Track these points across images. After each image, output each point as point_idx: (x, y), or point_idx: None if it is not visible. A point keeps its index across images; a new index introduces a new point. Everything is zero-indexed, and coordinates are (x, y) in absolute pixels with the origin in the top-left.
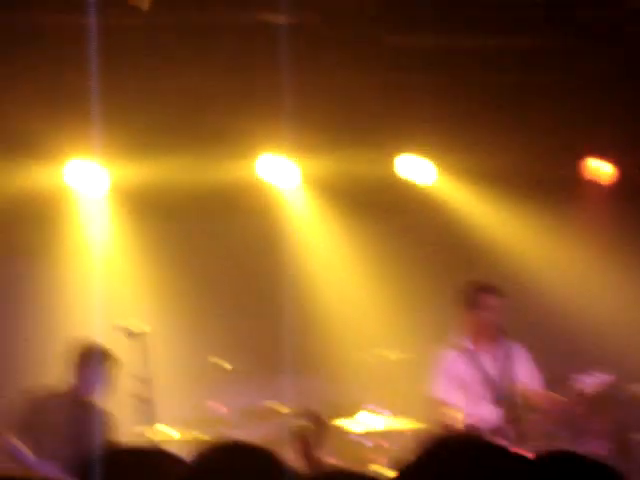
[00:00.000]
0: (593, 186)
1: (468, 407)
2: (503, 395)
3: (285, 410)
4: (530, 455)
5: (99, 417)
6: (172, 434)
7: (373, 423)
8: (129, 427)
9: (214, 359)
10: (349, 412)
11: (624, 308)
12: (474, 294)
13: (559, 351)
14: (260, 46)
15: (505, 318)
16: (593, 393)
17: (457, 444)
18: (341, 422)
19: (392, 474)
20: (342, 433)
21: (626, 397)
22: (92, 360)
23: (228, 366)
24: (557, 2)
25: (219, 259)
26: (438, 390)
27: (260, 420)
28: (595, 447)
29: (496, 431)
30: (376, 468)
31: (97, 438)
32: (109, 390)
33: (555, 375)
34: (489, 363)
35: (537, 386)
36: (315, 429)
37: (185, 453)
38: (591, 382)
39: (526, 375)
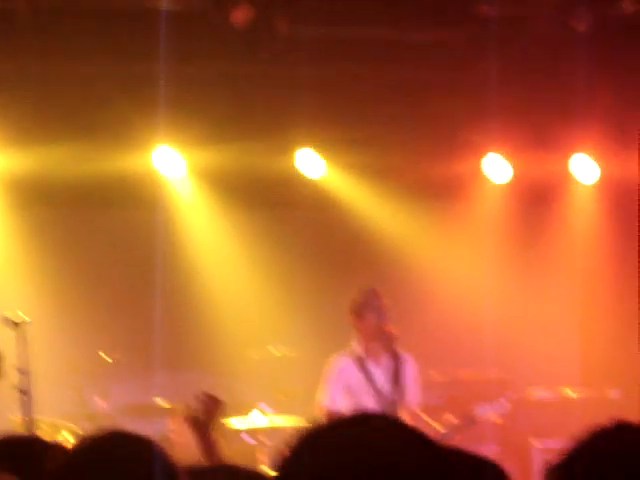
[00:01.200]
0: (487, 184)
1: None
2: (387, 403)
3: (166, 406)
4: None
5: None
6: (50, 426)
7: (256, 420)
8: (8, 417)
9: (97, 352)
10: (235, 410)
11: (512, 306)
12: (359, 300)
13: (447, 348)
14: (147, 33)
15: (390, 319)
16: (482, 420)
17: (330, 432)
18: (229, 420)
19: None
20: (226, 430)
21: (522, 401)
22: None
23: (109, 359)
24: None
25: (104, 251)
26: (326, 398)
27: (141, 416)
28: (483, 449)
29: None
30: (263, 467)
31: None
32: None
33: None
34: (377, 371)
35: (414, 404)
36: (210, 411)
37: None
38: (487, 411)
39: (409, 390)
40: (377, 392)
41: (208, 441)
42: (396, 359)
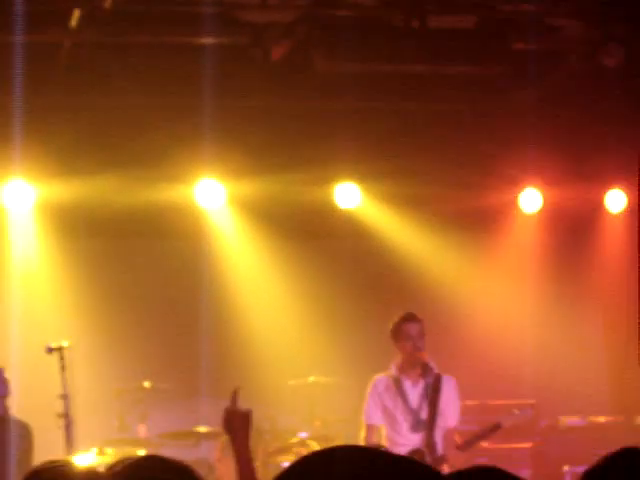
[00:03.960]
0: (522, 215)
1: (388, 432)
2: (421, 423)
3: (207, 431)
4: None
5: (12, 429)
6: (91, 453)
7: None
8: (50, 444)
9: (139, 379)
10: (276, 438)
11: (544, 335)
12: (396, 325)
13: (481, 377)
14: (189, 67)
15: (426, 342)
16: (510, 426)
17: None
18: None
19: None
20: (267, 459)
21: (553, 428)
22: None
23: (150, 386)
24: (489, 32)
25: (145, 279)
26: (365, 413)
27: (182, 443)
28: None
29: (413, 453)
30: None
31: (11, 450)
32: (9, 400)
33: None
34: (413, 392)
35: (451, 424)
36: (240, 424)
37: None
38: (513, 418)
39: (447, 411)
40: (410, 412)
41: (245, 461)
42: (435, 380)
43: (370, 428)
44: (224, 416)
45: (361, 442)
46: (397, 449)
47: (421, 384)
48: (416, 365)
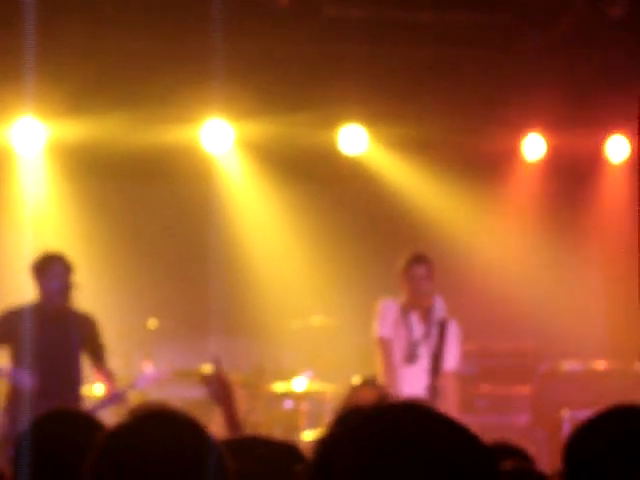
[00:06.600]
0: (524, 161)
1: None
2: (415, 357)
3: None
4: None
5: (77, 322)
6: (98, 391)
7: (299, 387)
8: None
9: (145, 318)
10: (279, 376)
11: (544, 281)
12: (405, 265)
13: (482, 320)
14: (196, 10)
15: (435, 284)
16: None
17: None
18: (272, 385)
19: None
20: (269, 396)
21: (553, 373)
22: (48, 268)
23: (154, 325)
24: None
25: (152, 221)
26: (380, 328)
27: (187, 381)
28: (515, 419)
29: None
30: (304, 433)
31: (77, 342)
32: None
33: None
34: (417, 325)
35: (451, 367)
36: (222, 390)
37: (110, 411)
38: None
39: (448, 353)
40: (410, 343)
41: (234, 426)
42: (441, 325)
43: (386, 342)
44: (208, 384)
45: (378, 360)
46: (387, 380)
47: (425, 324)
48: (422, 303)
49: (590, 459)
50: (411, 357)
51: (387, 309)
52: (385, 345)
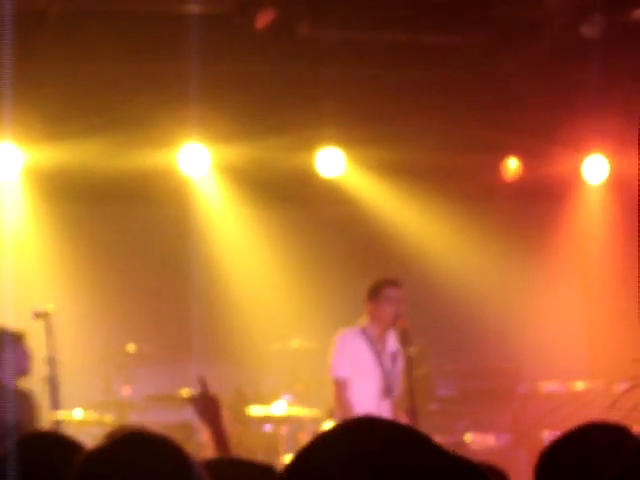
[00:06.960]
0: (503, 182)
1: (357, 381)
2: (389, 386)
3: (190, 395)
4: None
5: (17, 401)
6: (76, 416)
7: (278, 411)
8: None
9: (124, 342)
10: (258, 400)
11: (528, 305)
12: (376, 286)
13: (460, 342)
14: (174, 34)
15: (404, 309)
16: None
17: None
18: (251, 409)
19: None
20: (248, 420)
21: (533, 394)
22: (2, 344)
23: (133, 349)
24: (471, 0)
25: (131, 244)
26: (336, 369)
27: (166, 405)
28: (496, 440)
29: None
30: (283, 457)
31: (13, 422)
32: (27, 372)
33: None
34: (384, 354)
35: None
36: (210, 410)
37: (89, 435)
38: None
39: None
40: (383, 371)
41: (222, 444)
42: (400, 349)
43: (342, 384)
44: (195, 403)
45: (335, 399)
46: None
47: (389, 349)
48: (390, 329)
49: (559, 476)
50: (387, 391)
51: (345, 344)
52: (341, 386)
